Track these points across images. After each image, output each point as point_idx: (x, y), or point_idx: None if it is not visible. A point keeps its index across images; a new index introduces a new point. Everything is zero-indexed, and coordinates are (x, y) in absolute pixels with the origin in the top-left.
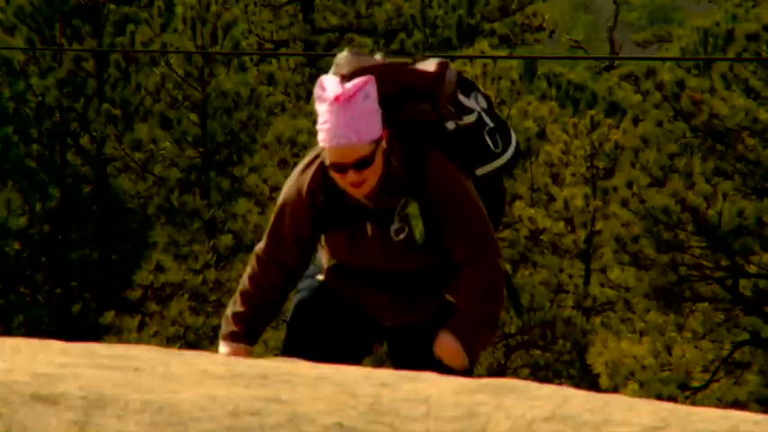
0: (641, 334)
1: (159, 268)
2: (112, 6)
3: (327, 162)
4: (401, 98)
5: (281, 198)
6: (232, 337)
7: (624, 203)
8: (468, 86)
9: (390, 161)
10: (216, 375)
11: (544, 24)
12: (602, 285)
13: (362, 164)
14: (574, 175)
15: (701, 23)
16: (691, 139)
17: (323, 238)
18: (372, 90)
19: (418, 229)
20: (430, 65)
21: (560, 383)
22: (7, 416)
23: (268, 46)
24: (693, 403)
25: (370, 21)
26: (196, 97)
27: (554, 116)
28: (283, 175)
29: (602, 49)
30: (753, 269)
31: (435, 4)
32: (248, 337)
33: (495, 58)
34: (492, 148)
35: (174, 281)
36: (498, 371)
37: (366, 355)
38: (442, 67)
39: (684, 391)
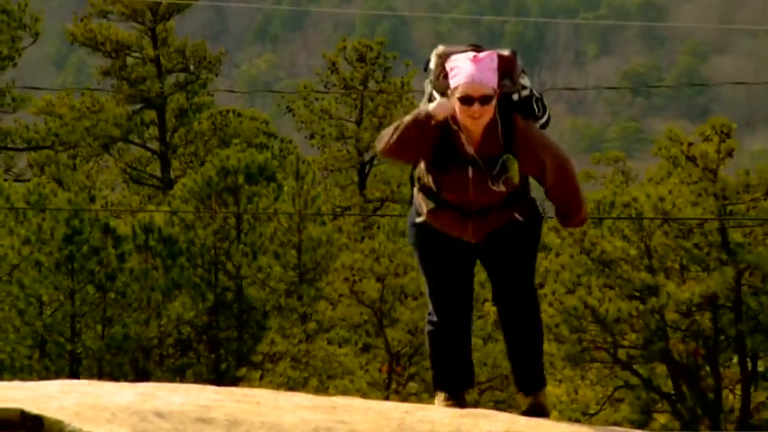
0: (560, 381)
1: (272, 343)
2: (246, 186)
3: (458, 95)
4: None
5: (418, 113)
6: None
7: (550, 304)
8: (522, 70)
9: (495, 114)
10: (304, 406)
11: None
12: None
13: (486, 99)
14: None
15: (596, 196)
16: (590, 266)
17: (429, 179)
18: (496, 59)
19: (515, 178)
20: (505, 52)
21: (512, 413)
22: (182, 430)
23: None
24: (590, 423)
25: None
26: (294, 243)
27: None
28: (347, 287)
29: None
30: (626, 343)
31: None
32: None
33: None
34: (536, 113)
35: (281, 350)
36: (474, 405)
37: (472, 274)
38: (514, 55)
39: (584, 416)
